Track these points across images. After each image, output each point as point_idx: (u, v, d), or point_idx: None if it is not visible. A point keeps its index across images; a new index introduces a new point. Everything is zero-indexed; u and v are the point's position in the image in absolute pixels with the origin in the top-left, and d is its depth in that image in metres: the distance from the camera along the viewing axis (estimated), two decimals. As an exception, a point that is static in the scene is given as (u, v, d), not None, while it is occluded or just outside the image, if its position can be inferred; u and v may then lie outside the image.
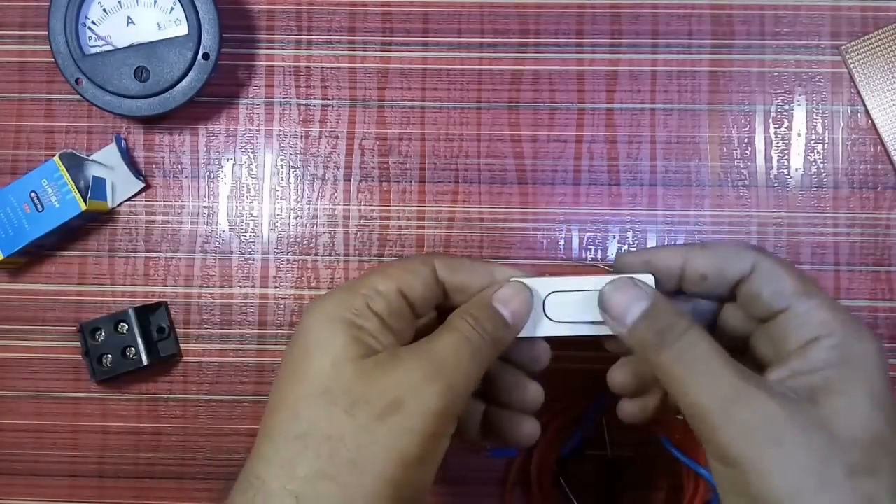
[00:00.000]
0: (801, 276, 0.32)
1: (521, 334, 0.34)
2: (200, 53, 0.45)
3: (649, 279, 0.33)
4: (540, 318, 0.34)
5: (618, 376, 0.36)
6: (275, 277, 0.47)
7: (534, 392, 0.36)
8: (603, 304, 0.33)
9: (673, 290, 0.35)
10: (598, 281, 0.34)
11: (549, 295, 0.34)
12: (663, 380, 0.31)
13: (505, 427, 0.36)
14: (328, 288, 0.47)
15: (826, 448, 0.28)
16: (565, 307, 0.34)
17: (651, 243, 0.47)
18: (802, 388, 0.29)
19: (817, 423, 0.28)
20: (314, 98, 0.48)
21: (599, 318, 0.34)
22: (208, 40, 0.45)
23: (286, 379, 0.31)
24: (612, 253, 0.47)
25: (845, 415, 0.28)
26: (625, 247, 0.47)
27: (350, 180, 0.47)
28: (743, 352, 0.35)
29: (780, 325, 0.32)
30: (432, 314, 0.35)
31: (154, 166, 0.48)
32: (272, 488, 0.28)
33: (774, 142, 0.47)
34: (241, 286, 0.47)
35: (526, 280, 0.34)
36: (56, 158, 0.45)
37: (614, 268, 0.35)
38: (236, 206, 0.47)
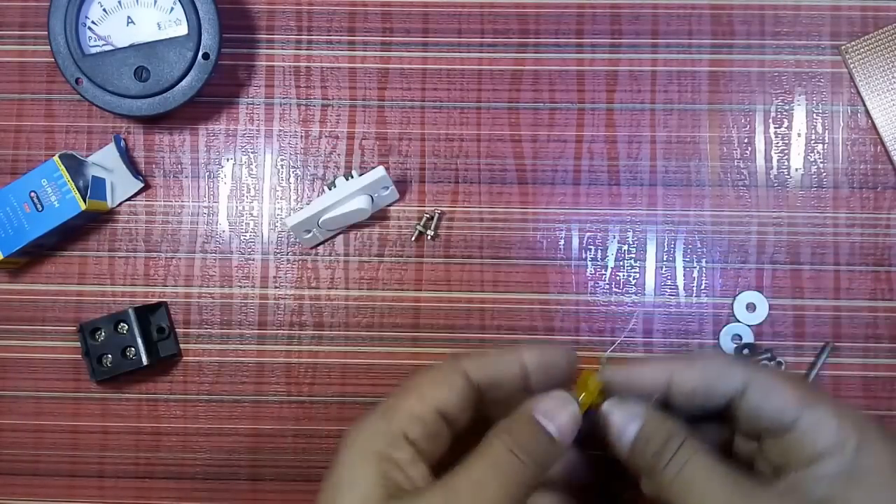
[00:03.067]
0: (799, 382, 0.31)
1: (309, 244, 0.41)
2: (200, 53, 0.45)
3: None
4: (322, 232, 0.45)
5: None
6: (275, 277, 0.47)
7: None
8: (603, 425, 0.32)
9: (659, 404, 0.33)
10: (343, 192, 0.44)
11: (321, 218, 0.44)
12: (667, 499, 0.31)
13: None
14: (328, 288, 0.47)
15: None
16: (335, 220, 0.45)
17: (651, 244, 0.47)
18: (807, 499, 0.29)
19: None
20: (314, 98, 0.48)
21: (356, 207, 0.44)
22: (208, 40, 0.45)
23: None
24: (611, 253, 0.47)
25: None
26: (624, 247, 0.47)
27: (350, 180, 0.47)
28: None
29: (787, 439, 0.31)
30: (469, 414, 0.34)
31: (154, 166, 0.48)
32: None
33: (774, 142, 0.47)
34: (241, 286, 0.47)
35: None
36: (56, 158, 0.45)
37: (600, 379, 0.33)
38: (236, 206, 0.47)
